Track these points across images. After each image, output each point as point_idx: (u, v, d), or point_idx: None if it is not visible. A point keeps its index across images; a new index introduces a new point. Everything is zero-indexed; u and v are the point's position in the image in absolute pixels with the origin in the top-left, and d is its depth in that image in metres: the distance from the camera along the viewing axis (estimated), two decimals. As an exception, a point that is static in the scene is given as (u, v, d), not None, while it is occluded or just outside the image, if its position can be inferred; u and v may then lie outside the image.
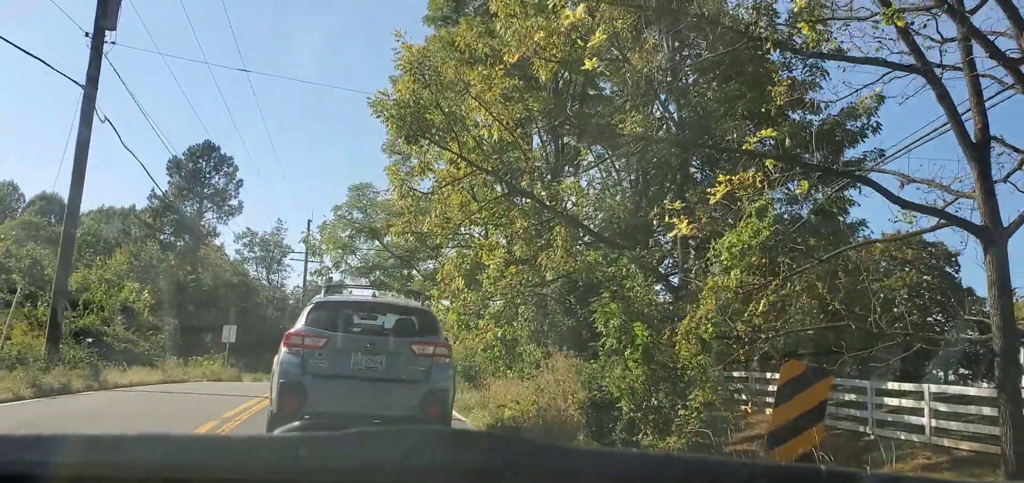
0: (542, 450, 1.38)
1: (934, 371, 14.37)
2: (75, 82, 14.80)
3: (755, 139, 10.26)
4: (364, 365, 8.87)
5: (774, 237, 9.03)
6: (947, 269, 15.80)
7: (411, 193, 17.97)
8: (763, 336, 9.40)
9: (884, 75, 8.71)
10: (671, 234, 10.48)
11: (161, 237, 46.94)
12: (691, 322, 8.96)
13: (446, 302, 20.49)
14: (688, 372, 9.68)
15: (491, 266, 19.92)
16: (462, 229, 19.68)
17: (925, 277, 13.67)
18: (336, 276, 40.90)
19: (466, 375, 19.50)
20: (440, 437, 1.40)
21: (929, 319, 14.54)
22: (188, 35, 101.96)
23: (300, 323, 9.23)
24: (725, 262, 8.94)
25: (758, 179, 8.43)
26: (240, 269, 58.29)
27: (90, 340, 18.82)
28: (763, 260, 8.86)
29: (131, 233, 47.74)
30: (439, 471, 1.25)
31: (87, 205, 79.31)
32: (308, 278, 49.61)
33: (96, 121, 16.42)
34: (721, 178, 10.12)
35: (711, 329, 8.90)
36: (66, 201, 13.78)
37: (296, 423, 8.97)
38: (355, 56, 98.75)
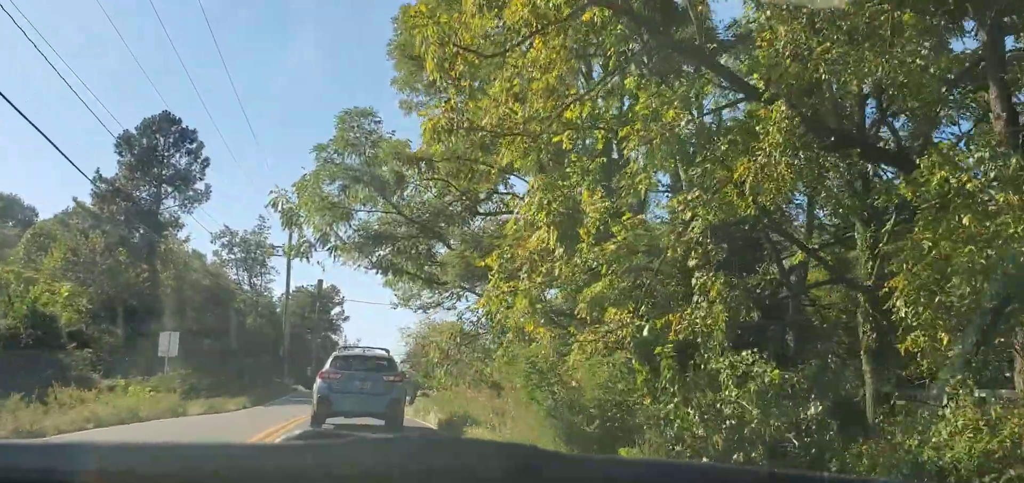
0: (548, 457, 1.36)
1: None
2: None
3: None
4: (360, 387, 16.48)
5: None
6: None
7: (461, 56, 8.82)
8: None
9: None
10: None
11: (106, 229, 37.49)
12: None
13: (516, 283, 11.46)
14: None
15: (591, 214, 11.04)
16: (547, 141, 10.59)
17: None
18: (322, 255, 24.38)
19: (605, 427, 8.79)
20: (442, 445, 1.36)
21: None
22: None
23: (327, 366, 17.39)
24: None
25: None
26: (214, 269, 49.66)
27: None
28: None
29: (70, 225, 38.48)
30: (441, 477, 1.25)
31: (50, 210, 70.17)
32: (291, 272, 40.67)
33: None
34: None
35: None
36: None
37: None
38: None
